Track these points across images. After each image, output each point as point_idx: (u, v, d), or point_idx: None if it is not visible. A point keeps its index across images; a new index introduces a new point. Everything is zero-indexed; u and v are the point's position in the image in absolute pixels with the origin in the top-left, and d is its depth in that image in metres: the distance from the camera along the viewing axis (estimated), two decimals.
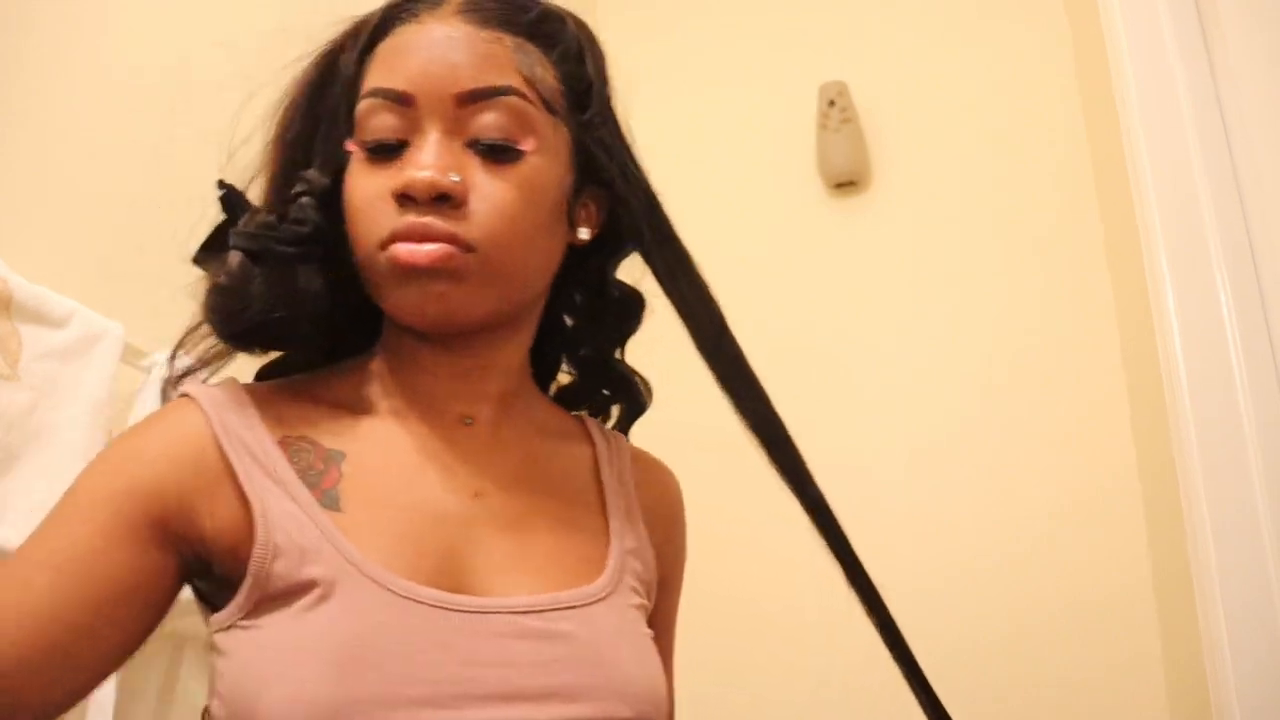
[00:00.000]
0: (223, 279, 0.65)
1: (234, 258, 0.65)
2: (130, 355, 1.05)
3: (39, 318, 0.96)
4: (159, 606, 0.61)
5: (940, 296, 1.69)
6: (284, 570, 0.59)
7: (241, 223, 0.66)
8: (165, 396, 0.77)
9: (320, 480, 0.63)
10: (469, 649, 0.59)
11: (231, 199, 0.69)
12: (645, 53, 2.14)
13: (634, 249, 0.74)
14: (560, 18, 0.73)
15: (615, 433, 0.80)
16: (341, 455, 0.65)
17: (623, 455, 0.77)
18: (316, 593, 0.58)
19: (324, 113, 0.69)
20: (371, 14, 0.70)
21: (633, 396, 0.80)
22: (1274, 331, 1.32)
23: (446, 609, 0.59)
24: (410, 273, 0.62)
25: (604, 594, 0.65)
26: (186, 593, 0.64)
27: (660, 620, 0.75)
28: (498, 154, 0.64)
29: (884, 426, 1.64)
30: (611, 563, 0.68)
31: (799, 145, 1.86)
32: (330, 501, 0.62)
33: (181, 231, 0.95)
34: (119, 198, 1.13)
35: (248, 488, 0.61)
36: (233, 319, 0.65)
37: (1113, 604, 1.42)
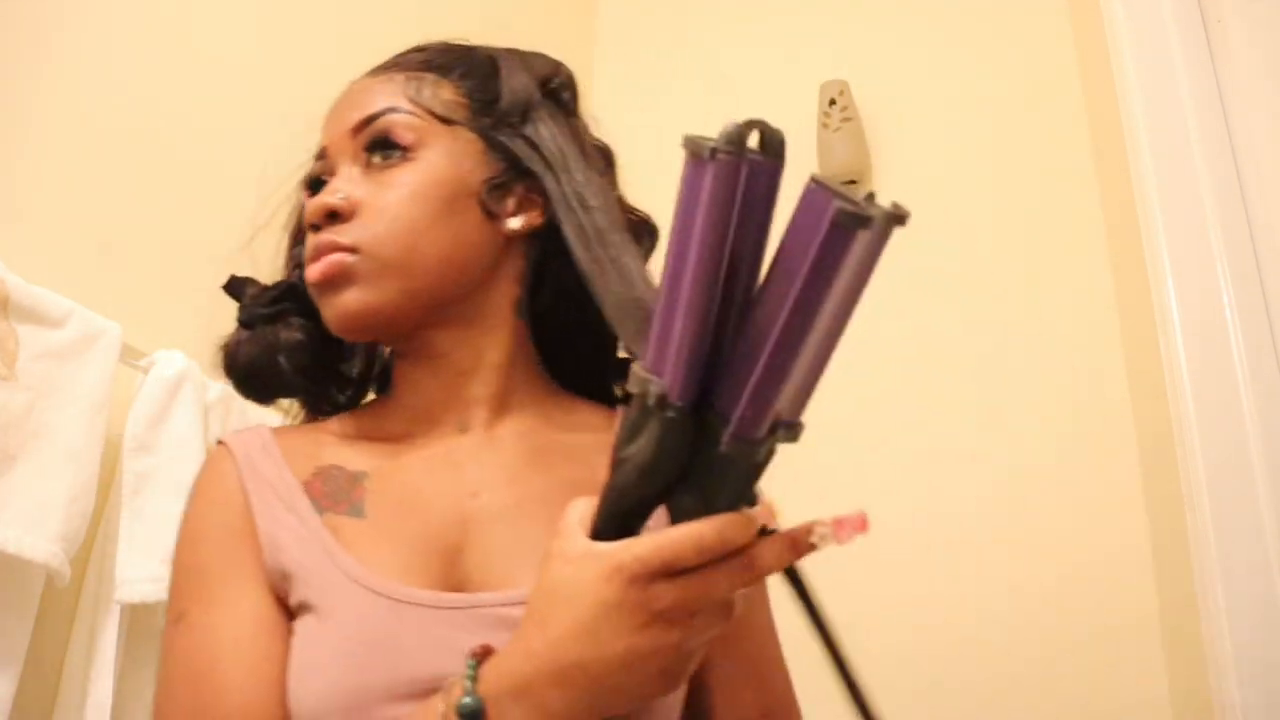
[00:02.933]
0: (223, 348, 0.78)
1: (233, 332, 0.78)
2: (128, 355, 1.05)
3: (36, 317, 0.96)
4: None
5: (941, 295, 1.69)
6: (293, 589, 0.67)
7: (245, 300, 0.79)
8: None
9: (349, 497, 0.71)
10: (463, 641, 0.62)
11: (233, 287, 0.80)
12: (646, 52, 2.14)
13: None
14: (462, 49, 0.82)
15: None
16: (364, 474, 0.72)
17: None
18: (318, 607, 0.65)
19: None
20: None
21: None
22: (1275, 323, 1.32)
23: (436, 608, 0.64)
24: (316, 289, 0.72)
25: None
26: None
27: None
28: (385, 164, 0.73)
29: (884, 424, 1.64)
30: None
31: (800, 144, 1.86)
32: (356, 511, 0.70)
33: (181, 232, 0.96)
34: (117, 197, 1.13)
35: (260, 521, 0.69)
36: (231, 376, 0.78)
37: (1113, 597, 1.42)
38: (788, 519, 0.67)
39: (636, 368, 0.48)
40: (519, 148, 0.76)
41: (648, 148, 2.24)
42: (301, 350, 0.76)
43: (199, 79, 1.25)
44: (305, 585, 0.66)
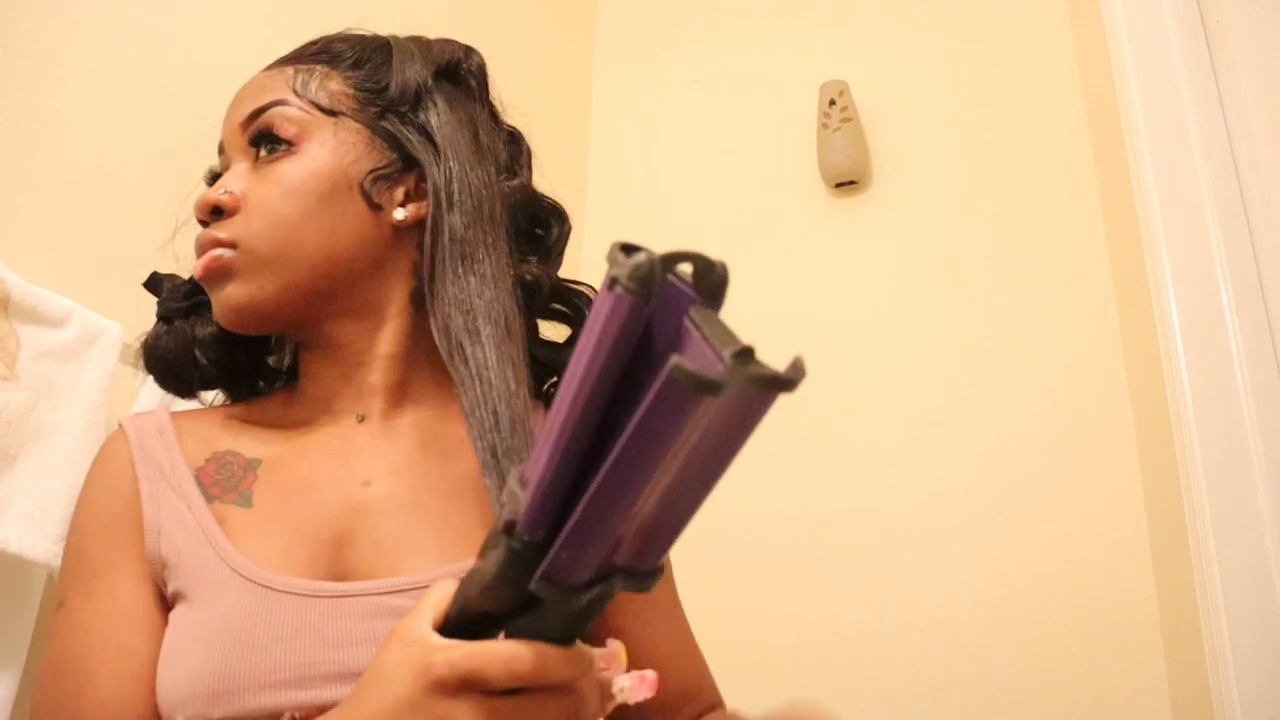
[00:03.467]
0: (143, 343, 0.80)
1: (153, 327, 0.81)
2: (129, 355, 1.05)
3: (37, 317, 0.96)
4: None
5: (941, 295, 1.69)
6: (170, 577, 0.67)
7: (163, 295, 0.81)
8: None
9: (239, 484, 0.72)
10: (333, 631, 0.63)
11: (152, 283, 0.83)
12: (646, 52, 2.14)
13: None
14: (358, 38, 0.82)
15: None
16: (258, 462, 0.74)
17: None
18: (193, 595, 0.66)
19: None
20: None
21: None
22: (1275, 325, 1.32)
23: (313, 596, 0.64)
24: (203, 283, 0.74)
25: None
26: None
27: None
28: (270, 158, 0.75)
29: (885, 424, 1.64)
30: None
31: (800, 144, 1.86)
32: (245, 500, 0.71)
33: (181, 233, 0.96)
34: (118, 197, 1.13)
35: (146, 506, 0.70)
36: (152, 371, 0.79)
37: (1113, 599, 1.42)
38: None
39: (513, 477, 0.44)
40: (407, 136, 0.76)
41: (647, 148, 2.25)
42: (216, 343, 0.79)
43: (199, 78, 1.25)
44: (182, 573, 0.67)
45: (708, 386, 0.35)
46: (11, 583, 0.90)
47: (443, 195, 0.73)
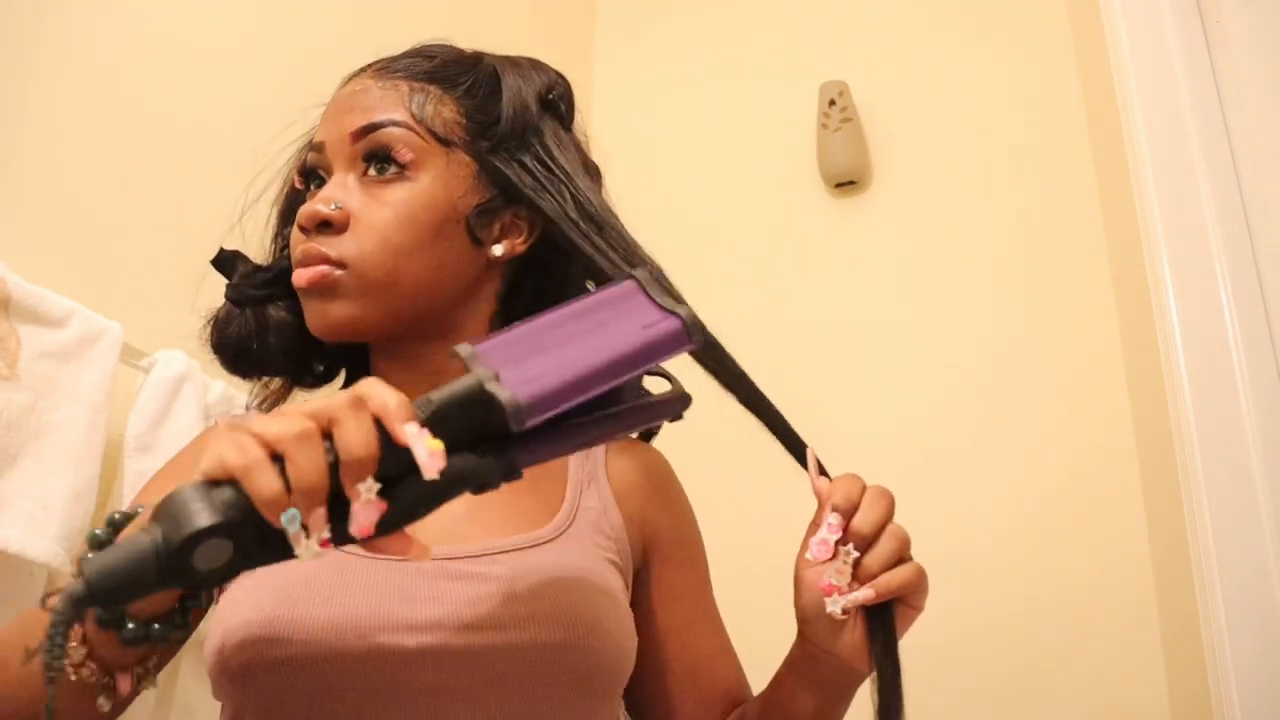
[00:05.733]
0: (212, 323, 0.81)
1: (222, 307, 0.82)
2: (129, 355, 1.05)
3: (38, 317, 0.96)
4: None
5: (940, 296, 1.69)
6: None
7: (234, 277, 0.82)
8: None
9: None
10: (398, 589, 0.66)
11: (222, 261, 0.83)
12: (646, 53, 2.14)
13: (569, 261, 0.80)
14: (468, 61, 0.83)
15: None
16: None
17: None
18: None
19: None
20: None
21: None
22: (1274, 326, 1.32)
23: (374, 558, 0.67)
24: (303, 293, 0.75)
25: (547, 539, 0.72)
26: None
27: (682, 585, 0.83)
28: (381, 178, 0.76)
29: (884, 424, 1.64)
30: (559, 517, 0.74)
31: (799, 145, 1.86)
32: None
33: (181, 232, 0.96)
34: (119, 198, 1.13)
35: None
36: (221, 352, 0.81)
37: (1112, 601, 1.42)
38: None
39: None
40: (514, 173, 0.78)
41: (647, 149, 2.25)
42: (290, 330, 0.80)
43: (198, 79, 1.25)
44: None
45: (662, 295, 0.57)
46: (11, 583, 0.91)
47: (585, 226, 0.77)
